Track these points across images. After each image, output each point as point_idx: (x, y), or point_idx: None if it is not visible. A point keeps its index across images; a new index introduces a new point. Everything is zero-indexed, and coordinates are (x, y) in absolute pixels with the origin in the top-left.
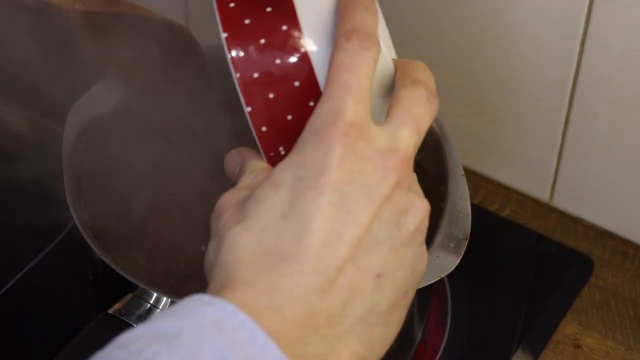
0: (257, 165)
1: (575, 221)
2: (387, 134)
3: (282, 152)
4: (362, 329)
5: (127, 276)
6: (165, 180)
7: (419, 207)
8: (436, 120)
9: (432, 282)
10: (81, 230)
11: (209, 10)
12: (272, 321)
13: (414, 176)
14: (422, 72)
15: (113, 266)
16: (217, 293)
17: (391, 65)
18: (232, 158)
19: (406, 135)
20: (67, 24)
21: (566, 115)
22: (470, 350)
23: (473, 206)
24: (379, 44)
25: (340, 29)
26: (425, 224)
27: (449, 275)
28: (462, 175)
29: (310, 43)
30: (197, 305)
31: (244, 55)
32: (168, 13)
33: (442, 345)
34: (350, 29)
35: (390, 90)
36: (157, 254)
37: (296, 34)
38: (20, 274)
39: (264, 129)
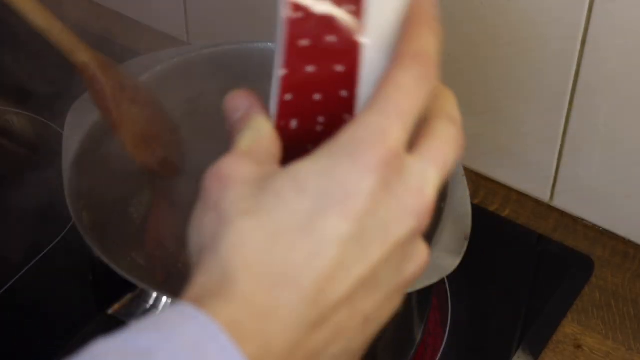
0: (262, 124)
1: (575, 221)
2: (418, 170)
3: (294, 127)
4: None
5: (127, 276)
6: (165, 179)
7: (422, 256)
8: None
9: (433, 282)
10: (81, 230)
11: (208, 10)
12: (258, 350)
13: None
14: (455, 107)
15: (113, 266)
16: (207, 295)
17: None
18: (238, 99)
19: (434, 178)
20: None
21: (566, 115)
22: (470, 351)
23: (473, 206)
24: (437, 74)
25: (408, 46)
26: (420, 273)
27: (449, 276)
28: (462, 175)
29: (369, 35)
30: (179, 319)
31: (301, 18)
32: (167, 13)
33: (442, 346)
34: (418, 51)
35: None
36: (157, 254)
37: (358, 19)
38: (20, 274)
39: (287, 97)
